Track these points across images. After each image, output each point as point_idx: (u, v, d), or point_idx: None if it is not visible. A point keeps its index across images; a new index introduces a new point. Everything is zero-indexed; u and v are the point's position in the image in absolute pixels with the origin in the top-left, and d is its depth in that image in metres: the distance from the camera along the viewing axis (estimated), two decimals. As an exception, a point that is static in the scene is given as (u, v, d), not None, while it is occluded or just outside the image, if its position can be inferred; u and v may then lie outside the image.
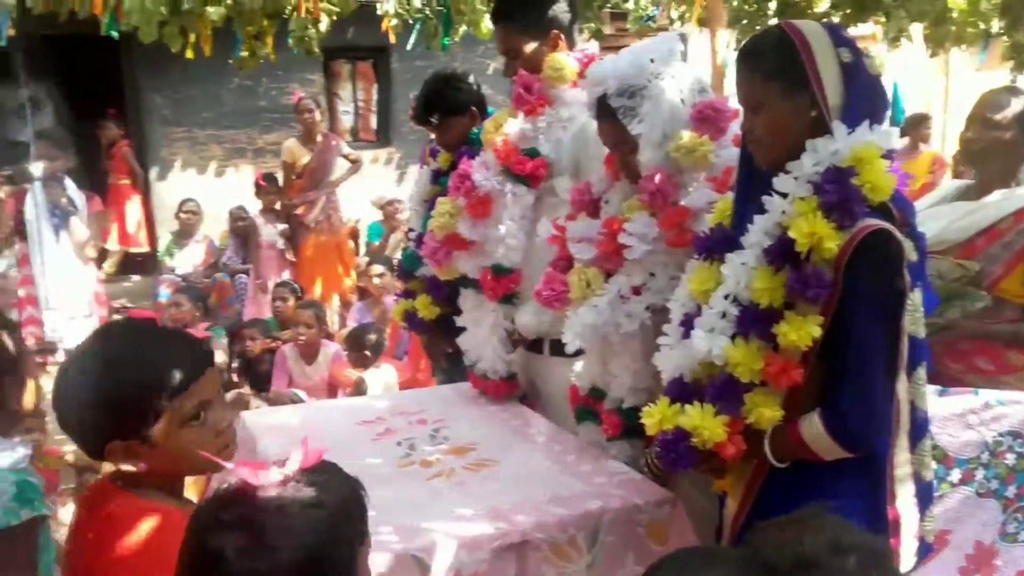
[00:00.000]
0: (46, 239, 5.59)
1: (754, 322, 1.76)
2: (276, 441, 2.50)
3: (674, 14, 8.63)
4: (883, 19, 6.88)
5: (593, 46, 2.81)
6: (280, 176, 7.16)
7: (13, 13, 5.74)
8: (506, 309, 2.73)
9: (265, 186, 7.12)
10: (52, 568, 1.88)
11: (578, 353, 2.42)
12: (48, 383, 1.56)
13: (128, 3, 5.19)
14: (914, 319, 1.77)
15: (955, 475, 2.28)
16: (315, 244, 6.87)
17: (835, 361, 1.74)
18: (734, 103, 2.01)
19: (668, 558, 0.98)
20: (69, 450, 3.24)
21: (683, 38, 2.45)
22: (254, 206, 7.22)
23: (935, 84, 11.24)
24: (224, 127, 8.88)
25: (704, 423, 1.77)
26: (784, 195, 1.76)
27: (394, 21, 7.08)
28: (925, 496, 1.87)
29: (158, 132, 8.64)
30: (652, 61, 2.20)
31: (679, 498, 2.12)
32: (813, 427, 1.74)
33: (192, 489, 1.81)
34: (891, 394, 1.75)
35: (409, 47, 7.68)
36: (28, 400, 2.17)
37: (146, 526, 1.32)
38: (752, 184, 1.89)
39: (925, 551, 1.90)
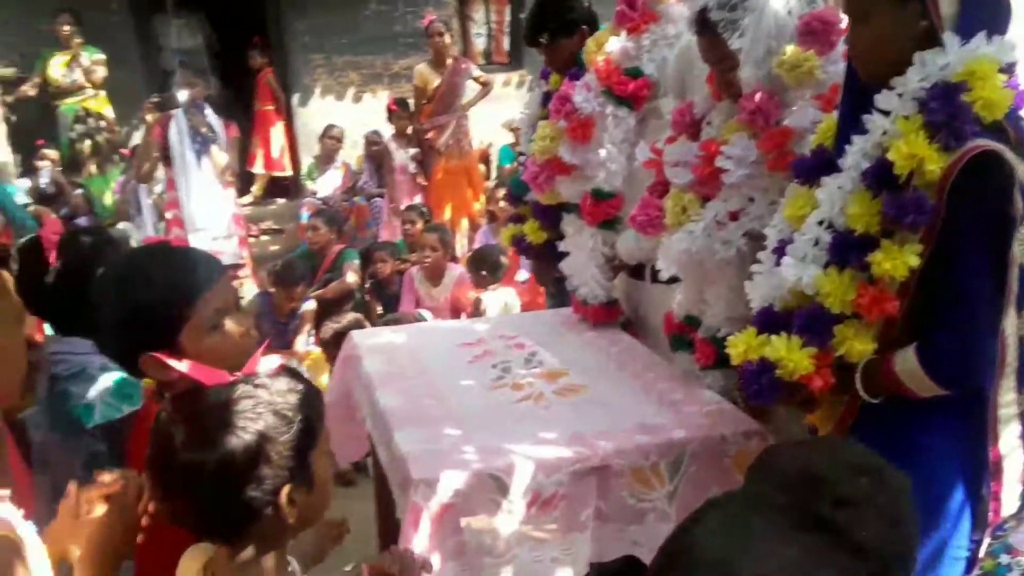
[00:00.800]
0: (189, 164, 5.88)
1: (848, 250, 1.66)
2: (379, 359, 2.58)
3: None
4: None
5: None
6: (412, 101, 7.23)
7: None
8: (606, 234, 2.69)
9: (397, 110, 7.20)
10: None
11: (679, 280, 2.37)
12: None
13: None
14: (1027, 248, 1.62)
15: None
16: (445, 168, 6.93)
17: (936, 293, 1.62)
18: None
19: (709, 505, 0.92)
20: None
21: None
22: (388, 131, 7.34)
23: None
24: (361, 53, 9.00)
25: (790, 355, 1.70)
26: (886, 113, 1.64)
27: (527, -61, 6.95)
28: (1033, 439, 1.74)
29: (299, 59, 8.86)
30: (757, -31, 2.07)
31: (777, 431, 2.06)
32: (908, 362, 1.64)
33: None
34: (996, 329, 1.62)
35: (543, -34, 7.50)
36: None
37: None
38: (857, 102, 1.75)
39: (1031, 496, 1.78)
